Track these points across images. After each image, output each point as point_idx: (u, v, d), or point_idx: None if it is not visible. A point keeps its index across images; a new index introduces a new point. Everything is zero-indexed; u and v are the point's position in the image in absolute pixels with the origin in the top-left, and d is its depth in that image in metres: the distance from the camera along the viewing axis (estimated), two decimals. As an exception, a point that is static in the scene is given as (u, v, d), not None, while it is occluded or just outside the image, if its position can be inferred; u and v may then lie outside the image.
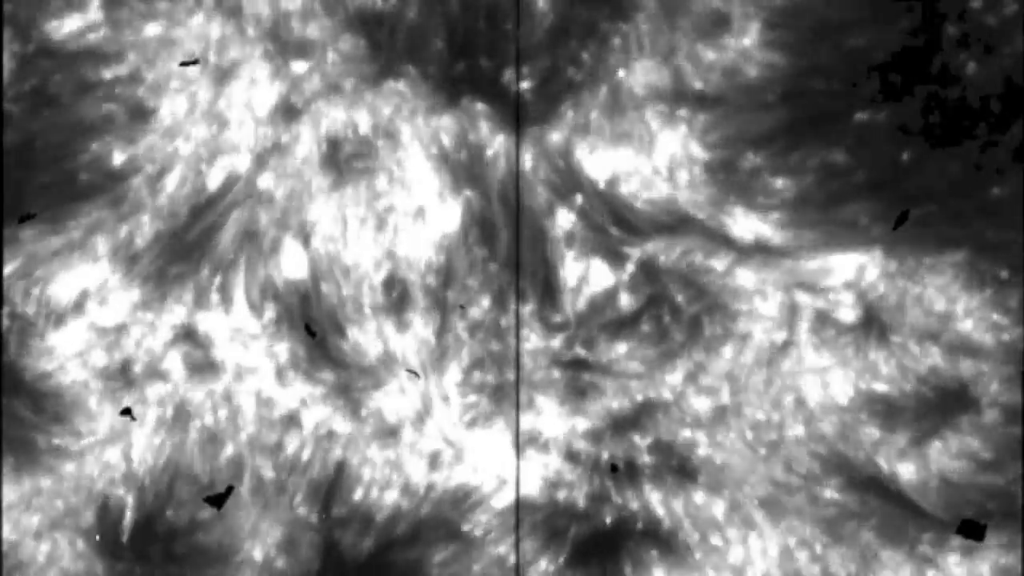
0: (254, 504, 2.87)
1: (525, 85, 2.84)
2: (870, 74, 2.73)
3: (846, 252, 2.78)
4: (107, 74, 2.88)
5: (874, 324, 2.77)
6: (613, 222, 2.84)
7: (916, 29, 2.71)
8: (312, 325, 2.87)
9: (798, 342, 2.79)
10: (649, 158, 2.83)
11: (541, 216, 2.85)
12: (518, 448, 2.84)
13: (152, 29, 2.88)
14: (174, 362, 2.88)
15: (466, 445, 2.86)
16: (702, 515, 2.81)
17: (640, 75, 2.82)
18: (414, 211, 2.87)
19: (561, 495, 2.84)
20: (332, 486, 2.87)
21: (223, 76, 2.89)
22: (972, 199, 2.74)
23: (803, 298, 2.79)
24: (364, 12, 2.87)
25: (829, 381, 2.78)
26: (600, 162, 2.84)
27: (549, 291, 2.85)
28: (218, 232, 2.88)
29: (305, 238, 2.88)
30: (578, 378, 2.84)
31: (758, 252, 2.80)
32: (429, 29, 2.86)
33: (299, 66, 2.88)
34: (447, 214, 2.87)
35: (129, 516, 2.88)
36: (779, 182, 2.80)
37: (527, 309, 2.85)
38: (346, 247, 2.88)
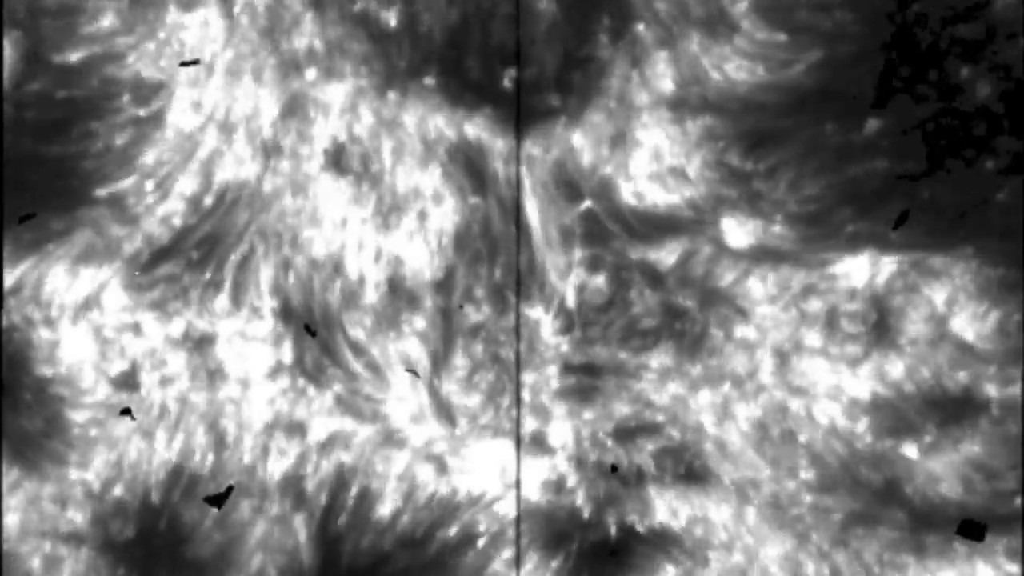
0: (254, 507, 2.87)
1: (526, 86, 2.84)
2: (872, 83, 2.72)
3: (849, 255, 2.78)
4: (109, 73, 2.88)
5: (877, 327, 2.77)
6: (616, 225, 2.83)
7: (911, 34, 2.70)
8: (312, 325, 2.87)
9: (802, 346, 2.79)
10: (651, 160, 2.83)
11: (543, 218, 2.85)
12: (518, 448, 2.84)
13: (154, 29, 2.88)
14: (175, 363, 2.88)
15: (467, 446, 2.86)
16: (705, 518, 2.81)
17: (644, 78, 2.82)
18: (414, 212, 2.87)
19: (562, 498, 2.84)
20: (334, 490, 2.87)
21: (226, 77, 2.88)
22: (974, 200, 2.74)
23: (806, 302, 2.79)
24: (365, 14, 2.87)
25: (833, 384, 2.78)
26: (601, 164, 2.84)
27: (551, 293, 2.85)
28: (220, 234, 2.88)
29: (306, 239, 2.88)
30: (580, 381, 2.84)
31: (761, 256, 2.80)
32: (430, 30, 2.86)
33: (300, 67, 2.88)
34: (447, 215, 2.87)
35: (130, 518, 2.88)
36: (782, 185, 2.79)
37: (531, 312, 2.85)
38: (347, 249, 2.88)
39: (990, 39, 2.72)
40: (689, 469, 2.82)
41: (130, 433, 2.88)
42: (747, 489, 2.80)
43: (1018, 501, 2.73)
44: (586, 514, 2.83)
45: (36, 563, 2.89)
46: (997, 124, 2.72)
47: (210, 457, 2.88)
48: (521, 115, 2.84)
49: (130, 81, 2.88)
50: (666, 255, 2.82)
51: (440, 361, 2.87)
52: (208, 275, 2.88)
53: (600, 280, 2.84)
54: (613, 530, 2.83)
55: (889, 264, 2.76)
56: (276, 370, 2.88)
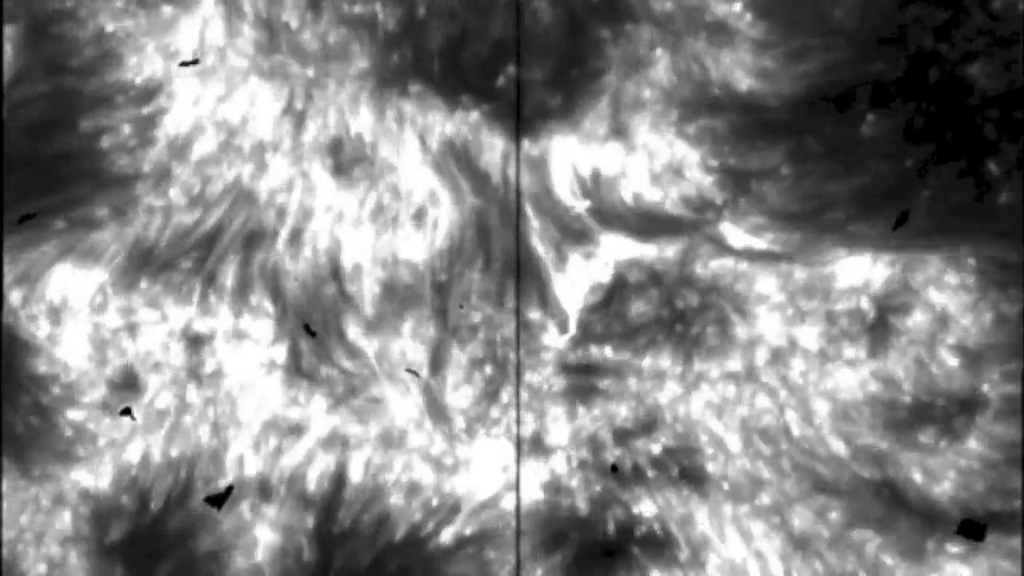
0: (254, 508, 2.87)
1: (525, 86, 2.84)
2: (861, 87, 2.72)
3: (849, 255, 2.77)
4: (109, 73, 2.88)
5: (876, 326, 2.77)
6: (616, 224, 2.83)
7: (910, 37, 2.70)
8: (312, 325, 2.87)
9: (801, 346, 2.79)
10: (650, 161, 2.83)
11: (542, 219, 2.85)
12: (518, 448, 2.84)
13: (154, 30, 2.88)
14: (175, 364, 2.89)
15: (466, 447, 2.86)
16: (703, 518, 2.81)
17: (643, 79, 2.82)
18: (414, 213, 2.87)
19: (561, 498, 2.84)
20: (332, 491, 2.87)
21: (225, 77, 2.89)
22: (974, 200, 2.74)
23: (805, 301, 2.79)
24: (364, 15, 2.87)
25: (832, 383, 2.78)
26: (600, 164, 2.84)
27: (550, 294, 2.85)
28: (219, 234, 2.88)
29: (305, 240, 2.88)
30: (580, 381, 2.84)
31: (761, 255, 2.80)
32: (429, 30, 2.86)
33: (300, 67, 2.88)
34: (446, 216, 2.87)
35: (129, 518, 2.88)
36: (782, 185, 2.79)
37: (530, 312, 2.85)
38: (346, 248, 2.88)
39: (993, 37, 2.72)
40: (687, 469, 2.81)
41: (130, 433, 2.88)
42: (745, 489, 2.79)
43: (1018, 501, 2.72)
44: (585, 514, 2.83)
45: (36, 563, 2.89)
46: (1000, 124, 2.72)
47: (210, 457, 2.88)
48: (521, 114, 2.84)
49: (130, 81, 2.88)
50: (666, 254, 2.82)
51: (439, 361, 2.87)
52: (207, 274, 2.88)
53: (599, 280, 2.84)
54: (612, 530, 2.83)
55: (889, 264, 2.76)
56: (275, 370, 2.88)
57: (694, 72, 2.81)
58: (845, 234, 2.77)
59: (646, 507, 2.82)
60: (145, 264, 2.89)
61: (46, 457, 2.89)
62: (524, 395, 2.84)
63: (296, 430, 2.88)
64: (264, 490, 2.87)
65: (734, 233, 2.80)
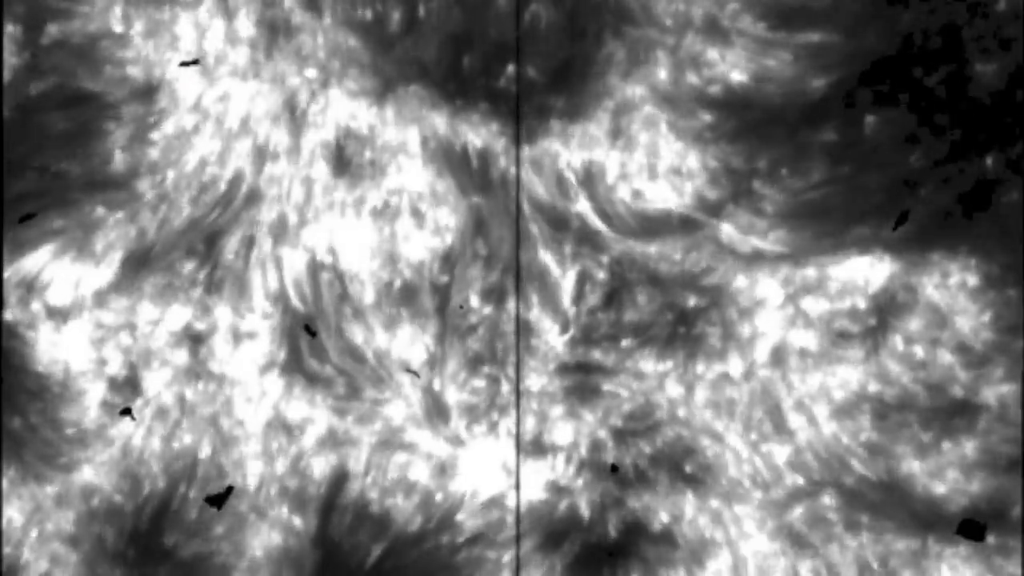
0: (253, 509, 2.87)
1: (525, 84, 2.84)
2: (858, 86, 2.73)
3: (849, 255, 2.77)
4: (109, 74, 2.89)
5: (877, 326, 2.77)
6: (616, 224, 2.84)
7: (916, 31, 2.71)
8: (312, 325, 2.87)
9: (802, 346, 2.79)
10: (650, 161, 2.83)
11: (541, 219, 2.85)
12: (518, 448, 2.84)
13: (154, 30, 2.89)
14: (175, 363, 2.89)
15: (466, 447, 2.86)
16: (704, 518, 2.81)
17: (643, 78, 2.83)
18: (414, 212, 2.87)
19: (562, 497, 2.84)
20: (332, 490, 2.87)
21: (225, 77, 2.89)
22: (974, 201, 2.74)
23: (806, 301, 2.79)
24: (365, 14, 2.88)
25: (833, 383, 2.78)
26: (600, 164, 2.84)
27: (551, 293, 2.85)
28: (219, 233, 2.89)
29: (305, 239, 2.88)
30: (580, 381, 2.84)
31: (761, 255, 2.80)
32: (430, 30, 2.86)
33: (300, 67, 2.88)
34: (447, 215, 2.87)
35: (129, 518, 2.88)
36: (782, 185, 2.79)
37: (530, 312, 2.85)
38: (346, 248, 2.88)
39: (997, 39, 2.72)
40: (687, 469, 2.81)
41: (130, 433, 2.88)
42: (746, 488, 2.79)
43: (1018, 501, 2.72)
44: (585, 514, 2.83)
45: (36, 562, 2.89)
46: (997, 125, 2.72)
47: (210, 457, 2.88)
48: (520, 114, 2.84)
49: (130, 81, 2.88)
50: (665, 254, 2.82)
51: (439, 361, 2.87)
52: (208, 274, 2.88)
53: (599, 280, 2.84)
54: (612, 530, 2.83)
55: (889, 264, 2.76)
56: (276, 370, 2.88)
57: (694, 71, 2.81)
58: (845, 234, 2.77)
59: (646, 507, 2.82)
60: (145, 263, 2.89)
61: (46, 457, 2.89)
62: (523, 395, 2.84)
63: (296, 430, 2.88)
64: (264, 490, 2.87)
65: (734, 233, 2.80)
